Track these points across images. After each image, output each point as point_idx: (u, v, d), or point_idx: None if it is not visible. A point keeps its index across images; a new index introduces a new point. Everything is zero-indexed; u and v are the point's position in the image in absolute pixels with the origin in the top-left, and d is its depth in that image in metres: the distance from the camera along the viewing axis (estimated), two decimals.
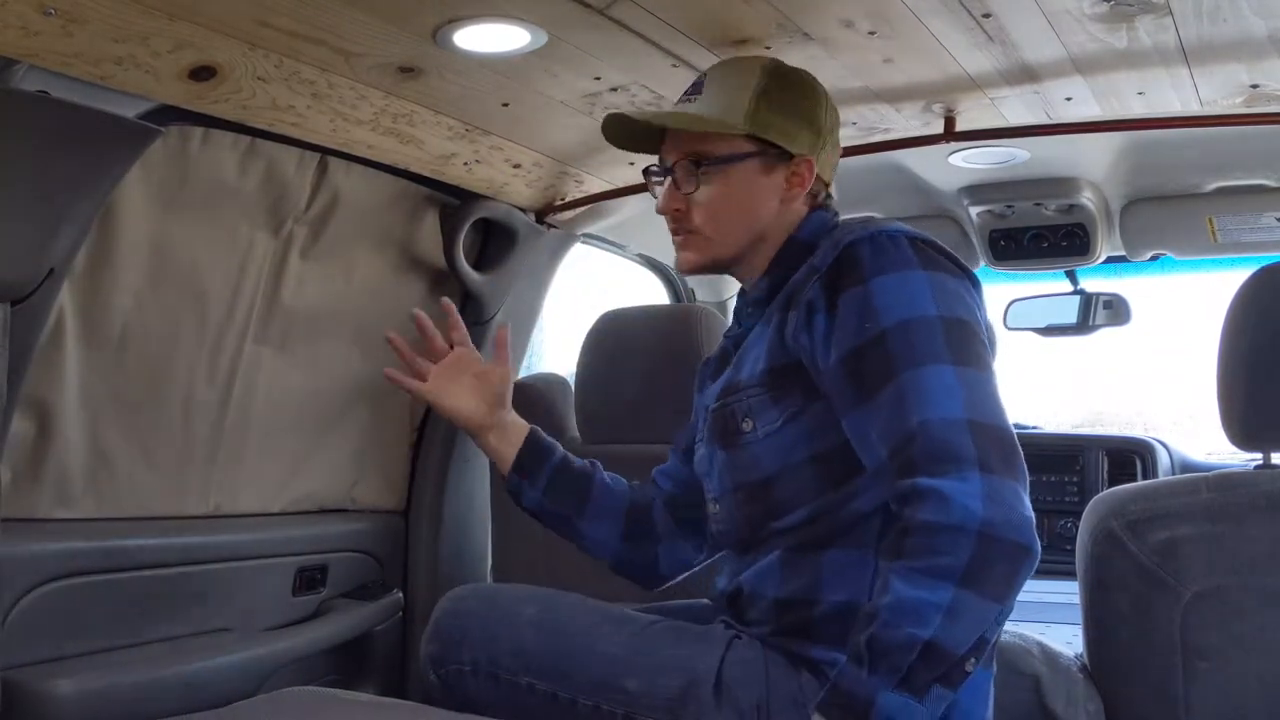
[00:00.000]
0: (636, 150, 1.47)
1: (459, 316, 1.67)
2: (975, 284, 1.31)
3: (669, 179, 1.39)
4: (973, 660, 1.12)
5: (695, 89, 1.40)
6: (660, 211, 1.40)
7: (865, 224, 1.30)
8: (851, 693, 1.11)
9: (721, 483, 1.39)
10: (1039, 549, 1.12)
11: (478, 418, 1.61)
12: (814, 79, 1.41)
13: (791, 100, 1.38)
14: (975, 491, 1.09)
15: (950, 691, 1.12)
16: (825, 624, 1.28)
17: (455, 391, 1.62)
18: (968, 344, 1.21)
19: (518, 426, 1.63)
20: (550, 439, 1.64)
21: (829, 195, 1.44)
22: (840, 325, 1.23)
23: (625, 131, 1.42)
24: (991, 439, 1.14)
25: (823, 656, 1.28)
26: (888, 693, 1.09)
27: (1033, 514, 1.12)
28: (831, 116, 1.42)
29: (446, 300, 1.69)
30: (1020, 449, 1.16)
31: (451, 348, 1.65)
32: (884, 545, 1.16)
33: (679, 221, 1.39)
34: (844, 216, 2.33)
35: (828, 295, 1.25)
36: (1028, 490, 1.14)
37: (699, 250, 1.40)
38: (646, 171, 1.45)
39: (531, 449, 1.61)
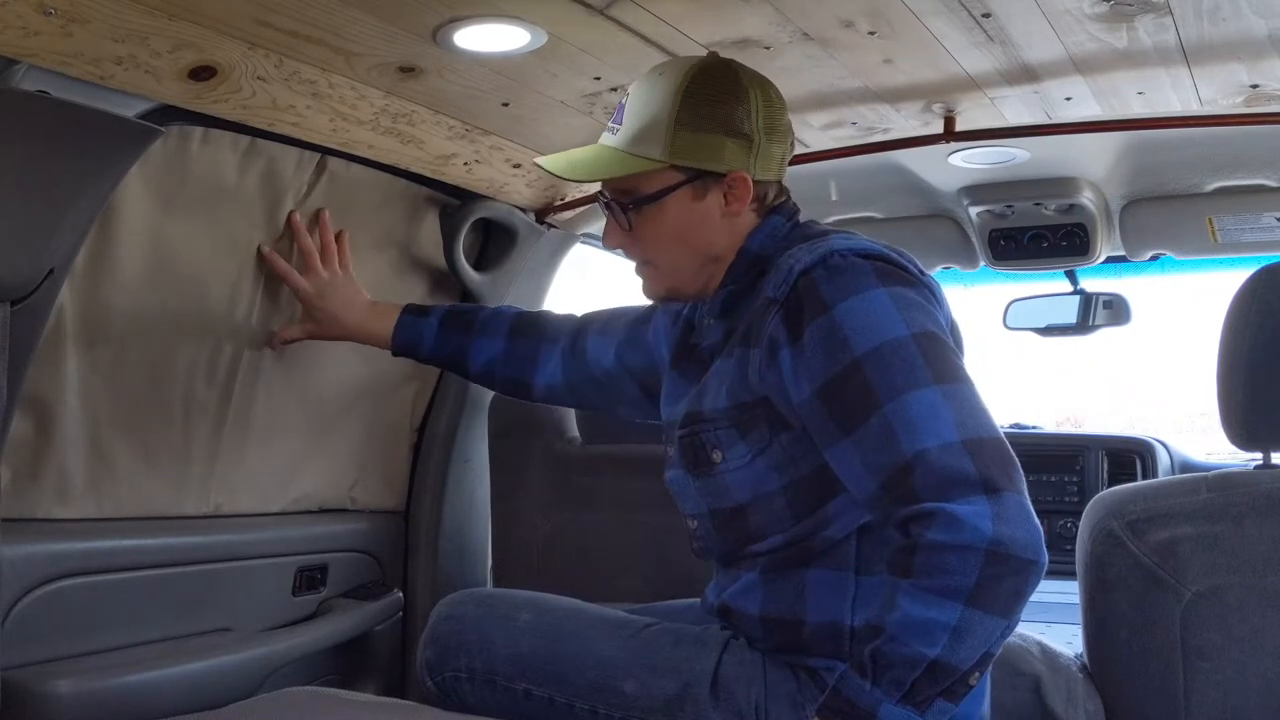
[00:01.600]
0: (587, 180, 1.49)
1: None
2: (932, 287, 1.29)
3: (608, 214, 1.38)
4: (977, 674, 1.12)
5: (618, 116, 1.36)
6: (605, 248, 1.42)
7: (814, 245, 1.27)
8: (853, 701, 1.12)
9: (696, 505, 1.39)
10: (1047, 560, 1.12)
11: (352, 317, 1.76)
12: (737, 76, 1.33)
13: (710, 114, 1.30)
14: (985, 512, 1.10)
15: (953, 705, 1.12)
16: (816, 642, 1.28)
17: (328, 298, 1.75)
18: (943, 357, 1.20)
19: (386, 309, 1.78)
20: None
21: (782, 193, 1.39)
22: (809, 358, 1.21)
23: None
24: (989, 454, 1.13)
25: (819, 664, 1.28)
26: (890, 705, 1.10)
27: (1036, 520, 1.13)
28: (766, 112, 1.33)
29: (344, 236, 1.83)
30: (1014, 454, 1.16)
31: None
32: (889, 562, 1.16)
33: (628, 255, 1.40)
34: (841, 217, 2.32)
35: (790, 329, 1.23)
36: (1025, 493, 1.14)
37: (656, 281, 1.40)
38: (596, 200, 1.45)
39: (411, 309, 1.77)
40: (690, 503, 1.40)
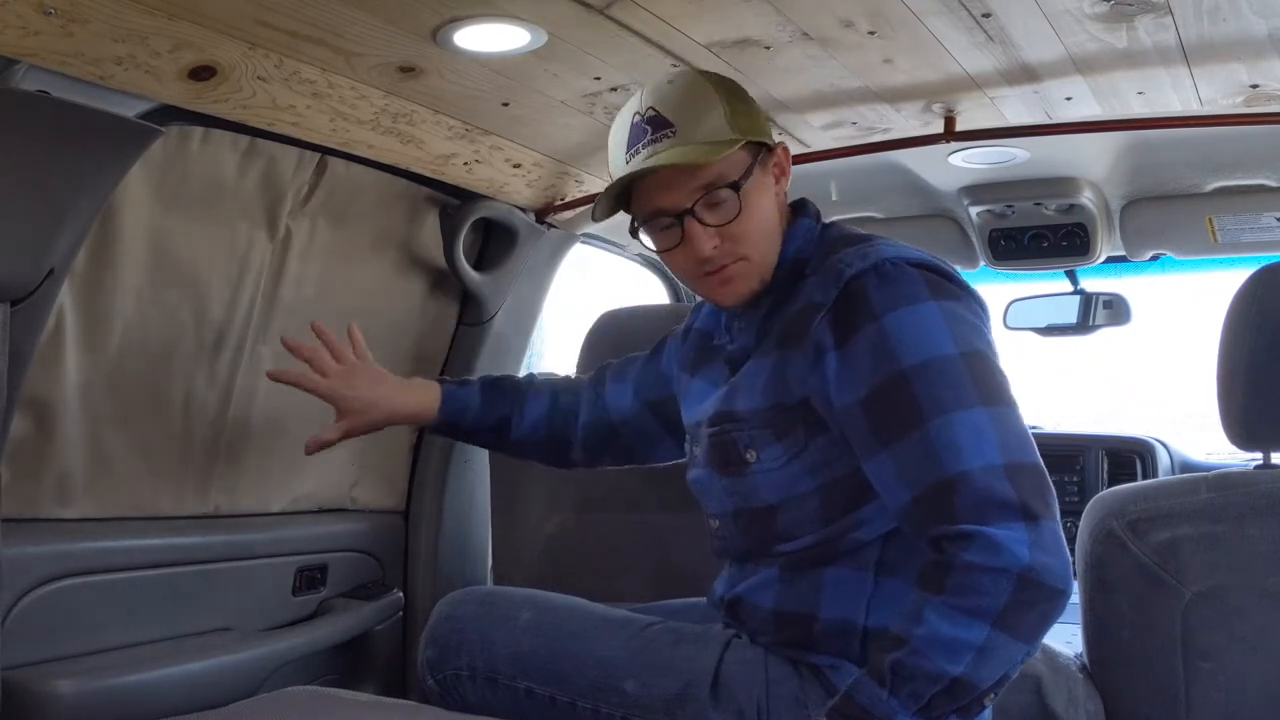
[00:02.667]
0: (614, 214, 1.39)
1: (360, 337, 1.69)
2: (980, 301, 1.29)
3: (687, 223, 1.29)
4: (992, 695, 1.14)
5: (661, 125, 1.30)
6: (699, 257, 1.30)
7: (863, 250, 1.26)
8: (868, 709, 1.12)
9: (721, 505, 1.38)
10: (1071, 589, 1.14)
11: (388, 396, 1.63)
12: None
13: (744, 97, 1.35)
14: (1022, 539, 1.11)
15: None
16: (825, 639, 1.28)
17: (356, 384, 1.62)
18: (990, 378, 1.20)
19: (422, 383, 1.67)
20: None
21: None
22: (856, 365, 1.21)
23: (615, 198, 1.34)
24: (1029, 480, 1.15)
25: (824, 662, 1.28)
26: (906, 717, 1.11)
27: (1068, 550, 1.14)
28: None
29: (354, 326, 1.70)
30: (1049, 480, 1.17)
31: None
32: (921, 576, 1.16)
33: (719, 258, 1.31)
34: (841, 216, 2.33)
35: (837, 333, 1.22)
36: (1059, 522, 1.15)
37: (748, 278, 1.33)
38: (637, 228, 1.36)
39: (447, 381, 1.69)
40: (715, 502, 1.40)
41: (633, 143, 1.32)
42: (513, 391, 1.68)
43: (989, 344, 1.25)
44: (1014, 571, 1.10)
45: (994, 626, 1.10)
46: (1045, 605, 1.12)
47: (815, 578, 1.29)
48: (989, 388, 1.19)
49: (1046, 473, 1.17)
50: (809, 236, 1.36)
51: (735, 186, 1.29)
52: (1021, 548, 1.10)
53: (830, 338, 1.23)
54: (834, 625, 1.27)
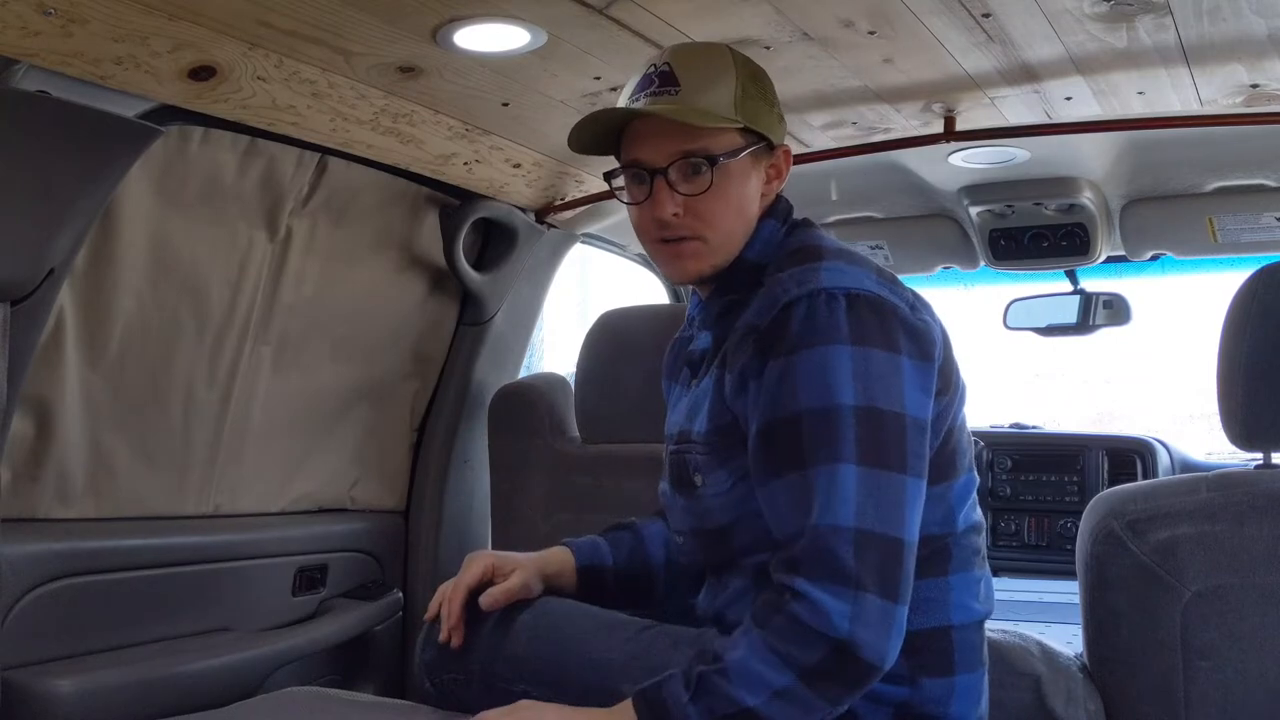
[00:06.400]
0: (599, 154, 1.36)
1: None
2: (923, 337, 1.23)
3: (656, 182, 1.28)
4: None
5: (669, 81, 1.27)
6: (658, 218, 1.28)
7: (805, 274, 1.22)
8: (668, 705, 1.15)
9: (682, 522, 1.38)
10: (889, 666, 1.14)
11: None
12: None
13: (763, 87, 1.32)
14: (844, 611, 1.11)
15: None
16: None
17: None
18: (881, 437, 1.17)
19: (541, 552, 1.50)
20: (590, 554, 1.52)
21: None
22: (764, 396, 1.20)
23: (592, 133, 1.32)
24: (874, 552, 1.13)
25: None
26: None
27: (900, 633, 1.14)
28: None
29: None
30: (906, 561, 1.15)
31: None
32: (755, 606, 1.17)
33: (676, 227, 1.29)
34: (841, 216, 2.31)
35: (758, 361, 1.21)
36: (905, 602, 1.14)
37: (699, 259, 1.31)
38: (612, 174, 1.33)
39: (564, 541, 1.52)
40: (676, 519, 1.41)
41: (638, 89, 1.30)
42: (624, 529, 1.56)
43: (898, 402, 1.19)
44: (830, 639, 1.11)
45: (799, 679, 1.12)
46: (854, 677, 1.13)
47: None
48: (874, 447, 1.16)
49: (904, 549, 1.15)
50: (770, 241, 1.33)
51: (714, 161, 1.27)
52: (842, 619, 1.11)
53: (753, 365, 1.22)
54: None
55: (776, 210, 1.36)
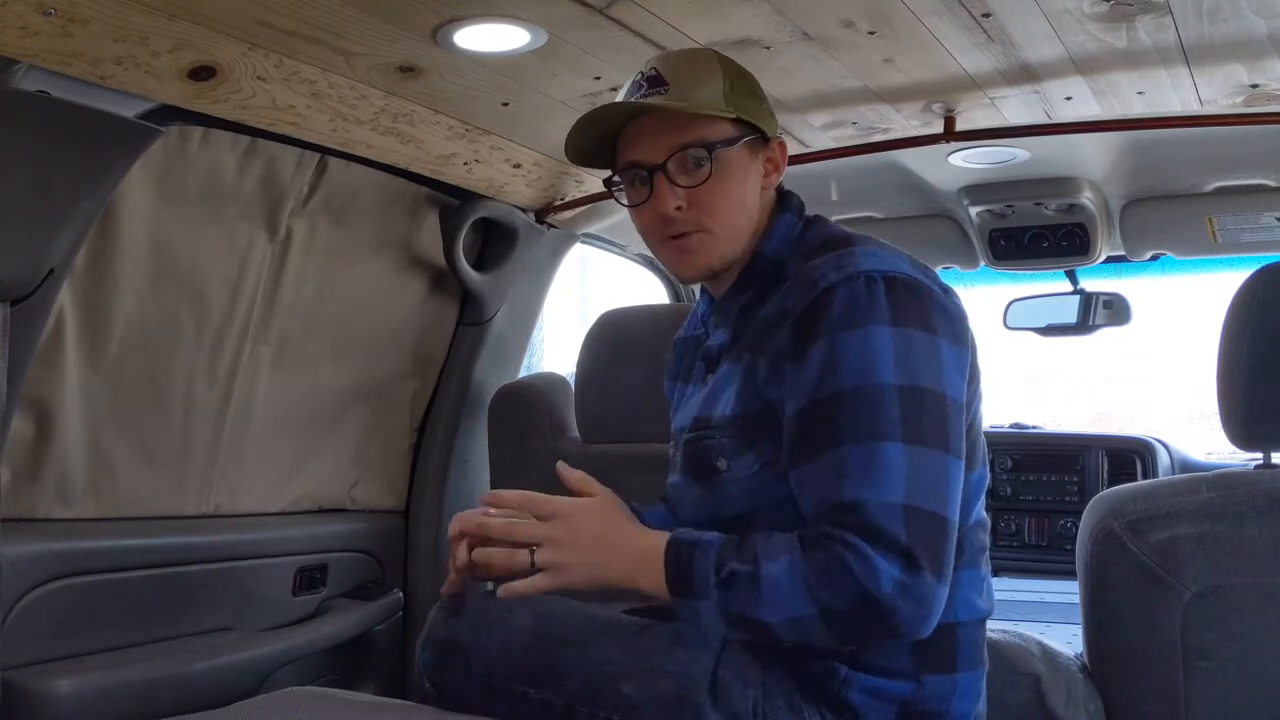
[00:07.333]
0: (597, 164, 1.37)
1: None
2: (956, 319, 1.25)
3: (656, 179, 1.28)
4: (785, 644, 1.19)
5: (657, 82, 1.29)
6: (661, 214, 1.29)
7: (841, 260, 1.23)
8: (693, 579, 1.19)
9: (695, 515, 1.37)
10: (918, 636, 1.16)
11: None
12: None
13: (752, 84, 1.34)
14: (894, 576, 1.12)
15: (748, 636, 1.21)
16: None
17: None
18: (922, 415, 1.18)
19: None
20: None
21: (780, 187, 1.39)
22: (804, 377, 1.20)
23: (588, 139, 1.32)
24: (924, 528, 1.14)
25: (818, 665, 1.28)
26: (710, 606, 1.18)
27: (939, 612, 1.15)
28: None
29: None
30: (951, 539, 1.16)
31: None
32: (804, 535, 1.18)
33: (681, 223, 1.29)
34: (841, 216, 2.32)
35: (796, 344, 1.22)
36: (948, 581, 1.15)
37: (707, 252, 1.31)
38: (611, 180, 1.34)
39: None
40: (689, 511, 1.40)
41: (627, 95, 1.32)
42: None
43: (939, 381, 1.21)
44: (869, 594, 1.11)
45: (819, 615, 1.13)
46: (876, 635, 1.15)
47: None
48: (917, 425, 1.17)
49: (948, 527, 1.16)
50: (788, 236, 1.34)
51: (711, 148, 1.28)
52: (889, 582, 1.11)
53: (790, 347, 1.23)
54: None
55: (790, 205, 1.38)
